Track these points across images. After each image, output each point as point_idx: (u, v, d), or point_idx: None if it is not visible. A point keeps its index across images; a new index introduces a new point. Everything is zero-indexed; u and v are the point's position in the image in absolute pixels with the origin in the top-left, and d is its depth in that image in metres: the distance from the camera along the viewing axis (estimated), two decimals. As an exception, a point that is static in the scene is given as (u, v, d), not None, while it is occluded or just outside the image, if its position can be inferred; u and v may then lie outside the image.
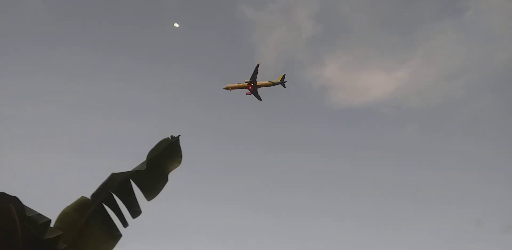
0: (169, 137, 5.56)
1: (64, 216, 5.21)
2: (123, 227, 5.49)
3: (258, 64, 45.56)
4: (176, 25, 56.77)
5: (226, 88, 48.45)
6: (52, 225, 4.74)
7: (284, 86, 48.63)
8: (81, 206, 5.34)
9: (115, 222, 5.47)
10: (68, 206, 5.30)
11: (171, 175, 5.58)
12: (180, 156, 5.59)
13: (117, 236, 5.42)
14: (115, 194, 5.44)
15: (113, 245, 5.41)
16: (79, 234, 5.25)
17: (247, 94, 48.43)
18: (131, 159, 5.76)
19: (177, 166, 5.58)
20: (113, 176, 5.35)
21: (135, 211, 5.48)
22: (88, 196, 5.40)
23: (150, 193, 5.50)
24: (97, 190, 5.36)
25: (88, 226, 5.32)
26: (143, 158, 5.47)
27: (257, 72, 46.26)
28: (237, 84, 48.19)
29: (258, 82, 47.57)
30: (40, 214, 4.36)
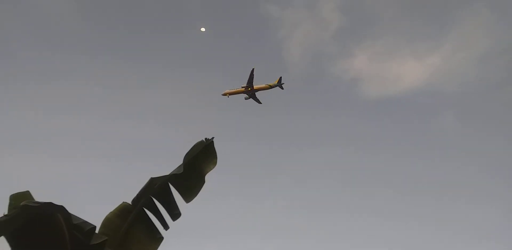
0: (203, 140, 5.62)
1: (108, 221, 5.35)
2: (164, 230, 5.59)
3: (253, 69, 45.73)
4: (203, 29, 56.92)
5: (224, 94, 48.49)
6: (97, 231, 4.86)
7: (282, 88, 48.18)
8: (123, 211, 5.47)
9: (156, 225, 5.56)
10: (111, 212, 5.45)
11: (208, 177, 5.63)
12: (215, 157, 5.66)
13: (159, 239, 5.52)
14: (154, 198, 5.54)
15: (156, 248, 5.51)
16: (122, 238, 5.37)
17: (245, 99, 48.56)
18: (169, 163, 5.84)
19: (213, 167, 5.65)
20: (152, 181, 5.44)
21: (175, 213, 5.57)
22: (129, 201, 5.52)
23: (188, 195, 5.58)
24: (138, 195, 5.47)
25: (131, 230, 5.44)
26: (180, 161, 5.54)
27: (253, 77, 46.26)
28: (235, 90, 48.10)
29: (255, 86, 47.53)
30: (86, 221, 4.47)
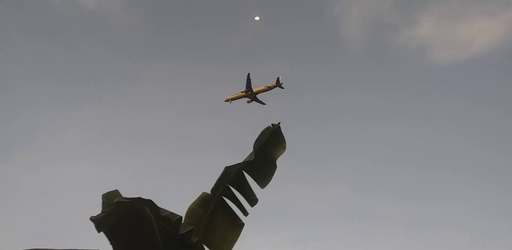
0: (270, 125, 5.68)
1: (191, 212, 5.64)
2: (244, 216, 5.78)
3: (249, 73, 45.03)
4: (257, 18, 56.00)
5: (227, 100, 48.20)
6: (182, 221, 5.12)
7: (282, 88, 46.99)
8: (204, 201, 5.74)
9: (236, 212, 5.76)
10: (193, 203, 5.74)
11: (279, 161, 5.71)
12: (284, 142, 5.72)
13: (240, 225, 5.73)
14: (231, 186, 5.73)
15: (238, 234, 5.72)
16: (206, 227, 5.64)
17: (247, 102, 48.06)
18: (241, 151, 5.97)
19: (283, 152, 5.72)
20: (227, 170, 5.63)
21: (252, 199, 5.73)
22: (208, 191, 5.76)
23: (263, 181, 5.72)
24: (215, 184, 5.70)
25: (213, 219, 5.69)
26: (250, 149, 5.66)
27: (250, 81, 45.68)
28: (236, 95, 47.71)
29: (254, 90, 46.88)
30: (172, 212, 4.74)
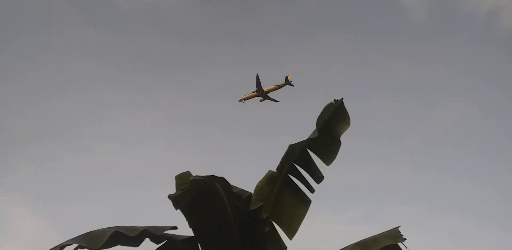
0: (333, 101, 5.65)
1: (259, 189, 5.82)
2: (310, 193, 5.86)
3: (257, 74, 45.98)
4: None
5: (241, 100, 48.87)
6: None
7: (293, 85, 47.22)
8: (270, 179, 5.89)
9: (303, 189, 5.85)
10: (260, 181, 5.92)
11: (343, 138, 5.68)
12: (348, 118, 5.67)
13: (307, 201, 5.82)
14: (296, 164, 5.81)
15: (306, 210, 5.82)
16: (274, 204, 5.80)
17: (260, 101, 48.78)
18: (305, 128, 6.01)
19: (347, 128, 5.68)
20: (291, 148, 5.71)
21: (318, 176, 5.78)
22: (274, 169, 5.89)
23: (328, 158, 5.74)
24: (280, 162, 5.81)
25: (280, 196, 5.83)
26: (314, 127, 5.68)
27: (259, 81, 46.53)
28: (249, 95, 48.58)
29: (265, 89, 47.65)
30: (243, 189, 4.92)
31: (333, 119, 5.65)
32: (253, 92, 48.39)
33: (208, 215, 5.09)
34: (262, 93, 47.80)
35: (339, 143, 5.70)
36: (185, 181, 5.94)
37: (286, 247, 5.77)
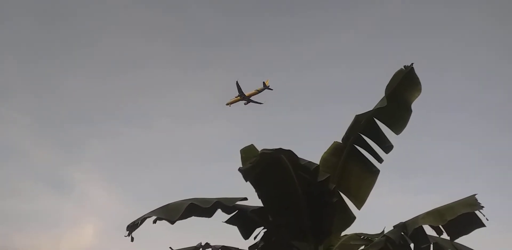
0: (403, 67, 5.34)
1: (324, 161, 5.78)
2: (378, 163, 5.73)
3: (237, 81, 47.98)
4: None
5: (227, 104, 51.00)
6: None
7: (272, 89, 49.30)
8: (336, 150, 5.83)
9: (370, 160, 5.73)
10: (325, 152, 5.87)
11: (414, 105, 5.41)
12: (419, 84, 5.37)
13: (375, 171, 5.71)
14: (363, 135, 5.66)
15: (374, 180, 5.73)
16: (340, 175, 5.76)
17: (244, 104, 50.77)
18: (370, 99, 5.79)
19: (418, 95, 5.39)
20: (358, 118, 5.56)
21: (387, 146, 5.62)
22: (340, 140, 5.80)
23: (397, 127, 5.53)
24: (346, 133, 5.69)
25: (347, 167, 5.77)
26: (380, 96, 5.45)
27: (240, 88, 48.65)
28: (233, 99, 50.41)
29: (247, 93, 49.47)
30: (310, 161, 4.92)
31: (403, 86, 5.38)
32: (236, 97, 50.30)
33: (276, 186, 5.18)
34: (244, 98, 49.96)
35: (410, 111, 5.45)
36: (249, 155, 6.05)
37: (355, 217, 5.78)
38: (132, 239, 4.84)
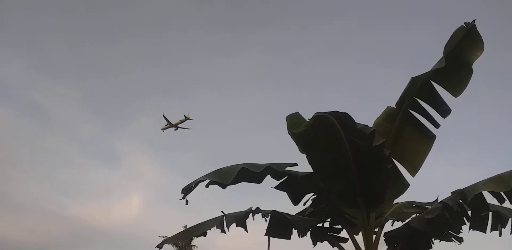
0: (463, 25, 4.97)
1: (377, 126, 5.55)
2: (435, 128, 5.48)
3: (163, 114, 56.45)
4: None
5: (162, 129, 59.27)
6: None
7: (192, 119, 57.51)
8: (389, 115, 5.60)
9: (426, 125, 5.48)
10: (378, 118, 5.67)
11: (475, 65, 5.06)
12: (481, 42, 4.97)
13: (431, 137, 5.48)
14: (418, 98, 5.40)
15: (430, 146, 5.51)
16: (394, 140, 5.56)
17: (175, 130, 59.15)
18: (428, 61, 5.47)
19: (480, 54, 5.01)
20: (413, 81, 5.29)
21: (445, 110, 5.34)
22: (393, 105, 5.58)
23: (456, 89, 5.21)
24: (401, 97, 5.46)
25: (401, 132, 5.55)
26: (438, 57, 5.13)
27: (167, 119, 57.51)
28: (165, 126, 58.79)
29: (173, 123, 58.20)
30: (366, 125, 4.76)
31: (463, 45, 5.01)
32: (165, 125, 58.99)
33: (327, 151, 5.06)
34: (172, 126, 58.98)
35: (471, 72, 5.10)
36: (295, 121, 5.95)
37: (408, 184, 5.62)
38: (187, 202, 4.96)
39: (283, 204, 5.88)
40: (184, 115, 58.18)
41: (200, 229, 5.38)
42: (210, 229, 5.31)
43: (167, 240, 5.69)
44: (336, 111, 4.43)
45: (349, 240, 5.42)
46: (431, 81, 5.26)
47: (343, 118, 4.56)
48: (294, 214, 5.88)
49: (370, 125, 5.59)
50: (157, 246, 5.63)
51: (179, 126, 59.14)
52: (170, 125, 58.85)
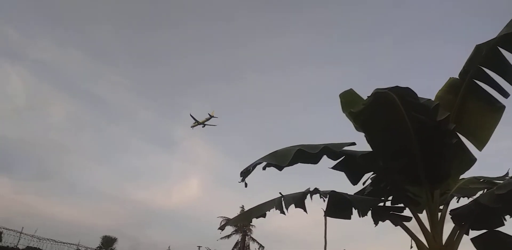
0: None
1: (439, 99, 5.26)
2: (504, 99, 5.08)
3: (190, 114, 62.16)
4: None
5: (192, 127, 63.94)
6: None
7: (217, 117, 61.66)
8: (452, 87, 5.28)
9: (493, 94, 5.09)
10: (440, 90, 5.36)
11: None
12: None
13: (500, 108, 5.09)
14: (484, 67, 4.99)
15: (498, 118, 5.13)
16: (458, 113, 5.23)
17: (202, 127, 63.19)
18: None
19: None
20: (478, 48, 4.89)
21: (515, 78, 4.90)
22: (456, 76, 5.23)
23: (528, 55, 4.74)
24: (464, 67, 5.09)
25: (466, 104, 5.21)
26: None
27: (194, 118, 62.49)
28: (193, 124, 63.42)
29: (200, 121, 62.37)
30: (430, 99, 4.49)
31: None
32: (193, 123, 63.47)
33: (387, 129, 4.86)
34: (199, 124, 63.02)
35: None
36: (349, 99, 5.75)
37: (475, 159, 5.30)
38: (246, 185, 4.98)
39: (338, 184, 5.79)
40: (209, 114, 62.43)
41: (260, 211, 5.41)
42: (269, 211, 5.32)
43: (228, 223, 5.81)
44: (397, 87, 4.19)
45: (413, 218, 5.25)
46: (499, 48, 4.82)
47: (405, 94, 4.31)
48: (353, 193, 5.78)
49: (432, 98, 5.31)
50: (219, 228, 5.77)
51: (205, 123, 63.25)
52: (197, 123, 63.47)
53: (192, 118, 62.85)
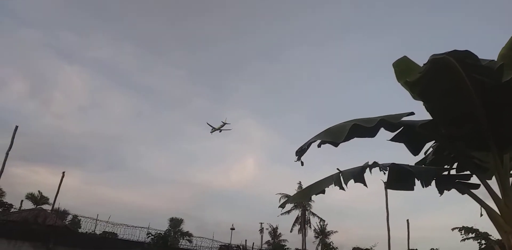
0: None
1: (502, 58, 4.86)
2: None
3: (207, 122, 69.86)
4: None
5: (211, 132, 70.94)
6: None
7: (229, 123, 69.30)
8: (517, 42, 4.83)
9: None
10: (503, 48, 4.93)
11: None
12: None
13: None
14: None
15: None
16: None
17: (219, 132, 70.08)
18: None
19: None
20: None
21: None
22: None
23: None
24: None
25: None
26: None
27: (211, 125, 69.70)
28: (212, 130, 70.21)
29: (217, 127, 68.70)
30: (492, 60, 4.15)
31: None
32: (212, 129, 70.02)
33: (448, 95, 4.57)
34: (216, 130, 69.65)
35: None
36: (404, 67, 5.46)
37: (549, 120, 4.88)
38: (302, 164, 4.97)
39: (396, 156, 5.63)
40: (222, 121, 70.26)
41: (319, 188, 5.40)
42: (328, 187, 5.31)
43: (288, 200, 5.87)
44: (455, 51, 3.90)
45: (481, 185, 5.01)
46: None
47: (464, 57, 4.00)
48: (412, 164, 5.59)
49: (494, 59, 4.92)
50: (280, 206, 5.86)
51: (221, 128, 70.31)
52: (214, 129, 70.62)
53: (209, 126, 70.44)
